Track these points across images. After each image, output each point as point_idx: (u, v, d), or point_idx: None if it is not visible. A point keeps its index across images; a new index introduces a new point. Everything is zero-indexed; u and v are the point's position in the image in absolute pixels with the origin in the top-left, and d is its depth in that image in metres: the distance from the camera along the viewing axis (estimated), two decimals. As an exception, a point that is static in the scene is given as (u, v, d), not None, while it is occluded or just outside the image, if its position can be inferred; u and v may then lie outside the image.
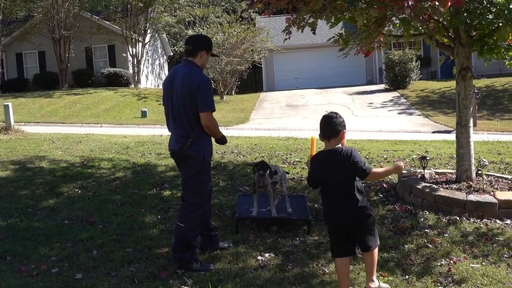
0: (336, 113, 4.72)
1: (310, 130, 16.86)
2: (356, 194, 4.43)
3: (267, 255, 5.55)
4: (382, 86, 29.58)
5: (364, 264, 4.76)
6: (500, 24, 6.60)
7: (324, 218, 4.85)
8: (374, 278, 4.55)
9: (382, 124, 17.81)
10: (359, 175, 4.42)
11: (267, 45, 30.90)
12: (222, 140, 5.36)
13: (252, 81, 41.69)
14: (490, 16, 6.68)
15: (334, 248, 4.57)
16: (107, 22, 31.26)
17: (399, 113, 21.44)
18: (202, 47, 5.20)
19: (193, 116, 5.03)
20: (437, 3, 5.83)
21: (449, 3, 5.81)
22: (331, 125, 4.60)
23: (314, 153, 4.93)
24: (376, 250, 4.53)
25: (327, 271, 5.17)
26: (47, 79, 30.81)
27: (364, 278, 4.72)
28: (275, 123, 19.46)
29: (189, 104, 5.00)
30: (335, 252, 4.56)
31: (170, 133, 5.35)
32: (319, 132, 4.67)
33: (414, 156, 10.12)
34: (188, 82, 5.00)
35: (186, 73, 5.09)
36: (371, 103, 24.08)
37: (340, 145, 4.56)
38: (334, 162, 4.48)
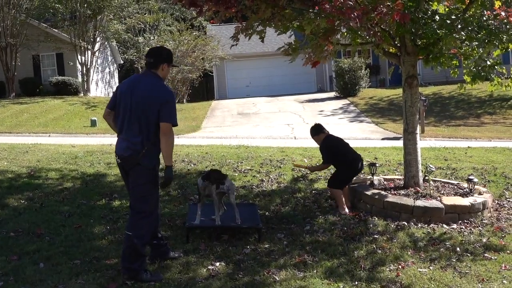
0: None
1: (262, 138, 16.90)
2: None
3: (217, 264, 5.53)
4: (332, 94, 29.90)
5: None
6: (443, 34, 6.77)
7: (351, 168, 7.58)
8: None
9: (333, 131, 17.81)
10: None
11: (218, 53, 30.90)
12: (169, 174, 5.09)
13: (204, 89, 41.57)
14: (434, 26, 6.84)
15: (344, 183, 7.53)
16: (55, 30, 30.70)
17: (349, 121, 21.71)
18: (163, 59, 5.32)
19: (152, 126, 5.08)
20: (383, 16, 5.98)
21: (395, 17, 5.96)
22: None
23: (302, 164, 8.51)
24: None
25: (277, 279, 5.17)
26: (-7, 88, 30.04)
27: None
28: (227, 131, 19.43)
29: (151, 115, 5.06)
30: (343, 185, 7.51)
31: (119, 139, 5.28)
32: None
33: (364, 163, 10.24)
34: (155, 93, 5.11)
35: (151, 84, 5.18)
36: (321, 111, 24.30)
37: None
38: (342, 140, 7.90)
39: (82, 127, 20.53)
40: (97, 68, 34.01)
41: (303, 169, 9.48)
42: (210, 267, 5.45)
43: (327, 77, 34.20)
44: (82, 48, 30.40)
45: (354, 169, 7.62)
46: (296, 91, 32.37)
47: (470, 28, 6.69)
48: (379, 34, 7.14)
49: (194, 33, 30.29)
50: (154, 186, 5.25)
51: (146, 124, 5.08)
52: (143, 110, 5.07)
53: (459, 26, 6.63)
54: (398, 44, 7.65)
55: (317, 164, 7.91)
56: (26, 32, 29.01)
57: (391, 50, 8.01)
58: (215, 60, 31.58)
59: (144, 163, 5.09)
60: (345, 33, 7.49)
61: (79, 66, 30.78)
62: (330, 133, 8.06)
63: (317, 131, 7.85)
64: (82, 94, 30.08)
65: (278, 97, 30.27)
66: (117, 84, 41.86)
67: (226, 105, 28.50)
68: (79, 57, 30.36)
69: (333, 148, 7.67)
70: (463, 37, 6.76)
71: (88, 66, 30.78)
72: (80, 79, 30.91)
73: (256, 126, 20.45)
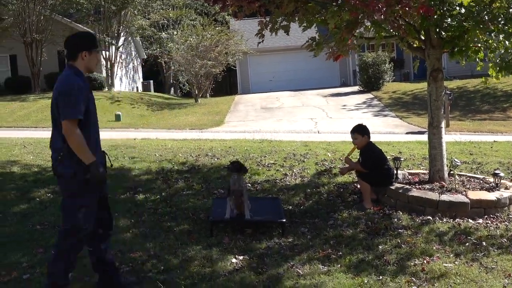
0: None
1: (285, 132, 16.89)
2: None
3: (241, 257, 5.54)
4: (356, 88, 29.77)
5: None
6: (470, 26, 6.68)
7: (385, 181, 7.39)
8: None
9: (356, 125, 17.80)
10: None
11: (241, 47, 30.92)
12: (92, 172, 4.29)
13: (227, 84, 41.71)
14: (461, 18, 6.76)
15: (370, 184, 7.27)
16: (80, 25, 30.96)
17: (373, 115, 21.59)
18: (81, 47, 4.48)
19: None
20: (408, 9, 5.93)
21: (420, 11, 5.90)
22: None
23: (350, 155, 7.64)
24: None
25: (301, 273, 5.17)
26: (19, 83, 30.35)
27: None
28: (250, 125, 19.45)
29: (57, 114, 4.35)
30: (371, 184, 7.29)
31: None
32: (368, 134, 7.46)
33: (388, 157, 10.18)
34: (55, 89, 4.38)
35: (59, 79, 4.46)
36: (345, 105, 24.21)
37: None
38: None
39: (107, 121, 20.70)
40: (121, 63, 34.26)
41: (326, 163, 9.49)
42: (233, 260, 5.46)
43: (350, 71, 34.07)
44: (107, 43, 30.63)
45: (387, 183, 7.42)
46: (320, 85, 32.31)
47: (497, 20, 6.59)
48: (403, 27, 7.08)
49: (217, 28, 30.32)
50: (81, 201, 4.42)
51: (57, 126, 4.40)
52: (52, 111, 4.44)
53: (486, 18, 6.54)
54: (423, 38, 7.56)
55: (355, 162, 7.63)
56: (51, 28, 29.30)
57: (415, 43, 7.93)
58: (238, 55, 31.62)
59: (60, 171, 4.39)
60: (369, 27, 7.44)
61: (103, 61, 31.02)
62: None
63: (365, 131, 7.45)
64: (106, 89, 30.32)
65: (302, 91, 30.24)
66: (141, 79, 42.32)
67: (249, 99, 28.53)
68: (103, 52, 30.58)
69: (377, 154, 7.49)
70: (491, 29, 6.66)
71: (112, 61, 31.03)
72: (104, 74, 31.16)
73: (280, 121, 20.44)
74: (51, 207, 7.27)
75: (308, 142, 12.75)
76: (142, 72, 44.16)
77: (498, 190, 7.25)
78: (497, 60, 7.46)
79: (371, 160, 7.36)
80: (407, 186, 7.33)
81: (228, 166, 6.59)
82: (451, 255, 5.63)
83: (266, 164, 9.73)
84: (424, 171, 8.34)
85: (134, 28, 33.20)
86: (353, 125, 7.69)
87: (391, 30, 7.38)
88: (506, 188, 7.38)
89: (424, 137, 9.93)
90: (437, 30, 7.22)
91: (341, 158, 10.06)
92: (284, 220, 6.36)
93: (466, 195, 6.94)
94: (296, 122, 19.66)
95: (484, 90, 25.49)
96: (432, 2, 6.64)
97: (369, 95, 26.81)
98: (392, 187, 7.29)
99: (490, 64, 7.71)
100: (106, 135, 15.45)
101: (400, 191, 7.16)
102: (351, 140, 7.60)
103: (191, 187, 8.28)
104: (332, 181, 8.54)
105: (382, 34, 7.40)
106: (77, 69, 4.45)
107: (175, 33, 35.13)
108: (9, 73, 31.74)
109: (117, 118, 21.16)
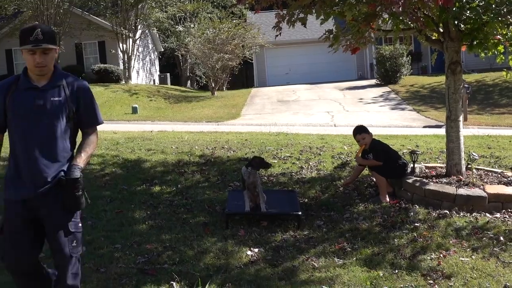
0: None
1: (301, 125, 16.85)
2: None
3: (256, 250, 5.55)
4: (373, 81, 29.59)
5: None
6: (489, 18, 6.61)
7: (400, 171, 7.44)
8: None
9: (373, 119, 17.83)
10: None
11: (258, 40, 30.87)
12: None
13: (244, 77, 41.68)
14: (480, 10, 6.68)
15: (386, 176, 7.28)
16: (98, 18, 31.09)
17: (390, 108, 21.46)
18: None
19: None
20: (426, 1, 5.88)
21: (439, 2, 5.84)
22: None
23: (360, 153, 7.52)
24: None
25: (317, 266, 5.16)
26: (37, 75, 30.50)
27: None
28: (266, 118, 19.43)
29: None
30: (385, 176, 7.29)
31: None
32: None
33: (405, 151, 10.12)
34: None
35: None
36: (362, 99, 24.09)
37: None
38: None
39: (124, 114, 20.81)
40: (138, 56, 34.34)
41: (343, 156, 9.46)
42: (249, 252, 5.48)
43: (367, 64, 33.86)
44: (124, 36, 30.72)
45: (401, 173, 7.48)
46: (336, 78, 32.15)
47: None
48: (422, 19, 7.02)
49: (234, 21, 30.30)
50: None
51: None
52: None
53: (505, 11, 6.46)
54: (442, 30, 7.49)
55: (367, 160, 7.62)
56: (69, 21, 29.44)
57: (434, 36, 7.86)
58: (255, 48, 31.56)
59: None
60: (387, 19, 7.38)
61: (120, 54, 31.12)
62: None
63: (368, 129, 7.58)
64: (123, 82, 30.43)
65: (318, 84, 30.13)
66: (158, 72, 42.44)
67: (265, 92, 28.48)
68: (120, 45, 30.69)
69: (383, 145, 7.64)
70: (510, 22, 6.58)
71: (129, 54, 31.10)
72: (121, 66, 31.26)
73: (296, 114, 20.40)
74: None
75: (325, 135, 12.71)
76: (159, 65, 44.29)
77: (516, 184, 7.18)
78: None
79: (381, 151, 7.43)
80: (424, 180, 7.29)
81: (253, 162, 6.61)
82: (468, 250, 5.59)
83: (282, 157, 9.71)
84: (441, 165, 8.28)
85: (151, 21, 33.23)
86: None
87: (409, 23, 7.31)
88: (525, 182, 7.31)
89: (442, 131, 9.85)
90: (456, 22, 7.15)
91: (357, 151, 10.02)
92: (300, 213, 6.36)
93: (483, 189, 6.88)
94: (312, 115, 19.61)
95: (503, 83, 25.21)
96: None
97: (386, 89, 26.64)
98: (409, 181, 7.24)
99: (510, 57, 7.62)
100: (122, 127, 15.55)
101: (417, 184, 7.12)
102: (357, 142, 7.64)
103: (207, 179, 8.29)
104: (348, 175, 8.50)
105: (400, 26, 7.34)
106: (23, 71, 3.91)
107: (192, 26, 35.16)
108: (27, 66, 31.92)
109: (134, 110, 21.23)
